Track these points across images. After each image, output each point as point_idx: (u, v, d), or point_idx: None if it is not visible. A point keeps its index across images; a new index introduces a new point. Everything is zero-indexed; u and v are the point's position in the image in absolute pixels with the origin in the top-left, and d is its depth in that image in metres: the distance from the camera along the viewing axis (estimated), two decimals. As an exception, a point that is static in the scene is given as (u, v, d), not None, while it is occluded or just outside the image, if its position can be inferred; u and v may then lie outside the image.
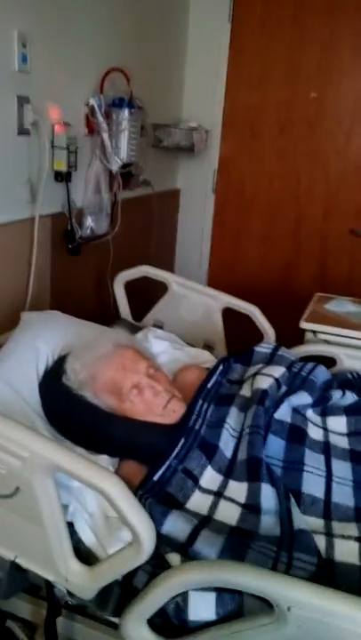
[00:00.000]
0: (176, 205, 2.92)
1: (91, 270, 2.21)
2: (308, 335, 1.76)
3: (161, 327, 1.78)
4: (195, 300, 1.77)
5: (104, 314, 2.09)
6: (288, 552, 0.98)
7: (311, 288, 2.65)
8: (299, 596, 0.80)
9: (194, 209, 2.85)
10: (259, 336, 1.72)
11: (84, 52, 1.94)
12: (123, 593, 1.01)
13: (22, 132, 1.72)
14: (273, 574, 0.86)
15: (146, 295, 1.94)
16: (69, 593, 1.06)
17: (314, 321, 1.76)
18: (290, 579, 0.83)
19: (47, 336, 1.41)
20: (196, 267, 2.88)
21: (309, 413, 1.32)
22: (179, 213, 2.93)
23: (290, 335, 1.71)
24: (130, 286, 1.88)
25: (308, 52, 2.51)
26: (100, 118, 1.94)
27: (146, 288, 1.94)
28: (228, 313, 1.79)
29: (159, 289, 1.87)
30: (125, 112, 1.97)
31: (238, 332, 1.84)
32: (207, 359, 1.58)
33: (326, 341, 1.72)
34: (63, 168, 1.87)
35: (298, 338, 1.80)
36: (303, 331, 1.81)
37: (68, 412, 1.24)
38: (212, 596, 0.93)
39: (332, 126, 2.55)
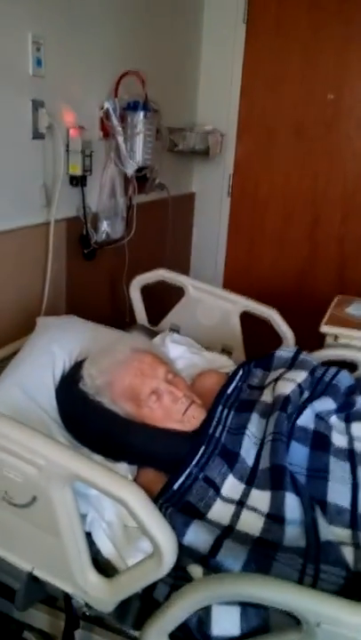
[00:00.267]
0: (191, 209, 2.90)
1: (106, 275, 2.19)
2: (329, 339, 1.71)
3: (177, 332, 1.75)
4: (212, 303, 1.74)
5: (120, 319, 2.06)
6: (315, 564, 0.94)
7: (329, 292, 2.59)
8: (330, 612, 0.77)
9: (209, 213, 2.83)
10: (277, 341, 1.69)
11: (98, 56, 1.93)
12: (143, 605, 0.98)
13: (37, 136, 1.71)
14: (302, 588, 0.82)
15: (162, 300, 1.91)
16: (87, 604, 1.03)
17: (335, 324, 1.71)
18: (320, 593, 0.80)
19: (63, 341, 1.39)
20: (211, 271, 2.85)
21: (333, 420, 1.28)
22: (194, 217, 2.91)
23: (309, 340, 1.66)
24: (145, 291, 1.86)
25: (324, 52, 2.48)
26: (115, 121, 1.93)
27: (162, 293, 1.92)
28: (246, 317, 1.76)
29: (175, 293, 1.85)
30: (140, 115, 1.95)
31: (256, 337, 1.80)
32: (226, 364, 1.54)
33: (348, 345, 1.67)
34: (78, 172, 1.85)
35: (317, 342, 1.76)
36: (323, 335, 1.77)
37: (85, 419, 1.21)
38: (236, 610, 0.89)
39: (350, 127, 2.51)
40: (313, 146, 2.58)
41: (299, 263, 2.74)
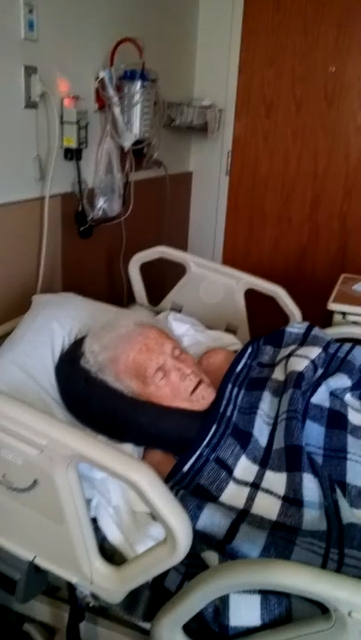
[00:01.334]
0: (189, 188, 2.81)
1: (103, 254, 2.11)
2: (337, 317, 1.65)
3: (180, 311, 1.68)
4: (215, 280, 1.67)
5: (117, 300, 1.98)
6: (339, 548, 0.89)
7: (330, 271, 2.55)
8: (363, 600, 0.70)
9: (207, 192, 2.74)
10: (282, 319, 1.62)
11: (94, 22, 1.83)
12: (153, 595, 0.92)
13: (30, 104, 1.62)
14: (332, 575, 0.75)
15: (161, 279, 1.83)
16: (93, 595, 0.96)
17: (342, 302, 1.65)
18: (352, 580, 0.73)
19: (62, 318, 1.31)
20: (209, 251, 2.77)
21: (348, 397, 1.22)
22: (191, 196, 2.82)
23: (312, 319, 1.60)
24: (144, 270, 1.78)
25: (325, 22, 2.38)
26: (111, 92, 1.83)
27: (161, 272, 1.84)
28: (249, 295, 1.69)
29: (175, 272, 1.77)
30: (138, 85, 1.86)
31: (261, 316, 1.74)
32: (232, 342, 1.47)
33: (356, 323, 1.61)
34: (73, 144, 1.76)
35: (322, 321, 1.69)
36: (329, 314, 1.70)
37: (88, 398, 1.13)
38: (256, 599, 0.83)
39: (352, 101, 2.43)
40: (314, 121, 2.50)
41: (300, 242, 2.67)
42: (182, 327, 1.48)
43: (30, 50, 1.58)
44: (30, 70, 1.59)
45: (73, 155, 1.79)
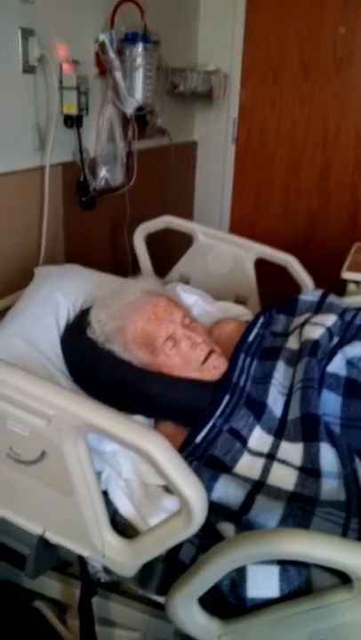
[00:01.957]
0: (194, 157, 2.74)
1: (106, 225, 2.06)
2: (351, 287, 1.60)
3: (187, 283, 1.63)
4: (224, 250, 1.61)
5: (122, 272, 1.93)
6: (359, 518, 0.86)
7: (341, 241, 2.48)
8: (390, 569, 0.67)
9: (213, 161, 2.67)
10: (293, 290, 1.57)
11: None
12: (167, 569, 0.89)
13: (28, 69, 1.55)
14: (354, 543, 0.72)
15: (167, 251, 1.78)
16: (105, 569, 0.94)
17: (357, 271, 1.59)
18: (377, 549, 0.70)
19: (66, 289, 1.27)
20: (216, 222, 2.70)
21: (365, 366, 1.17)
22: (197, 165, 2.75)
23: (324, 289, 1.55)
24: (148, 242, 1.73)
25: (333, -19, 2.29)
26: (112, 55, 1.76)
27: (166, 244, 1.79)
28: (259, 265, 1.63)
29: (181, 243, 1.72)
30: (140, 47, 1.78)
31: (270, 287, 1.69)
32: (243, 312, 1.43)
33: (371, 292, 1.56)
34: (73, 111, 1.70)
35: (334, 291, 1.64)
36: (342, 283, 1.65)
37: (95, 369, 1.09)
38: (274, 570, 0.80)
39: (363, 64, 2.34)
40: (323, 87, 2.41)
41: (309, 212, 2.60)
42: (191, 298, 1.43)
43: (27, 11, 1.51)
44: (27, 33, 1.52)
45: (73, 122, 1.73)
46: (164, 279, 1.70)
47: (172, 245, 1.79)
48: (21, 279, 1.47)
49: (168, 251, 1.78)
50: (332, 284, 1.64)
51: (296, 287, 1.58)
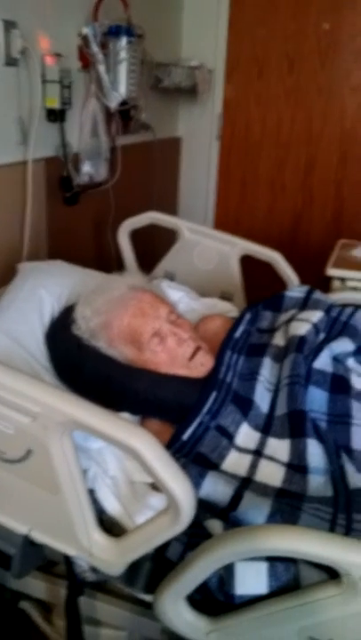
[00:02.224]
0: (178, 153, 2.72)
1: (90, 221, 2.03)
2: (336, 283, 1.60)
3: (172, 279, 1.62)
4: (209, 246, 1.61)
5: (106, 268, 1.92)
6: (346, 514, 0.86)
7: (326, 237, 2.49)
8: (377, 564, 0.67)
9: (197, 157, 2.66)
10: (278, 286, 1.57)
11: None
12: (155, 567, 0.88)
13: (10, 62, 1.52)
14: (343, 539, 0.72)
15: (151, 248, 1.77)
16: (92, 568, 0.92)
17: (341, 267, 1.60)
18: (364, 543, 0.70)
19: (50, 285, 1.25)
20: (200, 219, 2.69)
21: (351, 362, 1.17)
22: (181, 162, 2.73)
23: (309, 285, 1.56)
24: (133, 239, 1.71)
25: (318, -24, 2.29)
26: (95, 48, 1.74)
27: (150, 240, 1.77)
28: (244, 262, 1.63)
29: (165, 240, 1.70)
30: (123, 41, 1.76)
31: (255, 283, 1.69)
32: (228, 309, 1.42)
33: (356, 288, 1.57)
34: (56, 105, 1.67)
35: (319, 288, 1.65)
36: (327, 280, 1.66)
37: (81, 366, 1.08)
38: (263, 567, 0.80)
39: (347, 60, 2.34)
40: (308, 81, 2.41)
41: (294, 208, 2.61)
42: (176, 294, 1.43)
43: (9, 3, 1.48)
44: (9, 25, 1.49)
45: (56, 116, 1.70)
46: (149, 275, 1.69)
47: (156, 242, 1.78)
48: (4, 276, 1.44)
49: (153, 247, 1.76)
50: (317, 280, 1.64)
51: (281, 284, 1.58)
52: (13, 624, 1.20)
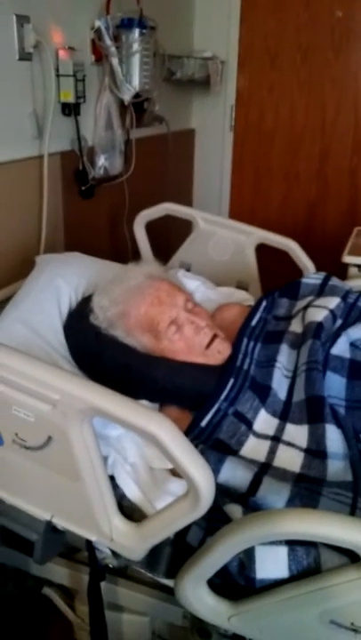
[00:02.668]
0: (191, 145, 2.72)
1: (106, 214, 2.05)
2: (352, 270, 1.59)
3: (188, 270, 1.62)
4: (225, 236, 1.60)
5: (122, 260, 1.93)
6: (366, 498, 0.85)
7: (341, 226, 2.47)
8: None
9: (211, 149, 2.65)
10: (295, 275, 1.56)
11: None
12: (175, 552, 0.89)
13: (24, 57, 1.54)
14: (364, 522, 0.72)
15: (167, 239, 1.77)
16: (114, 554, 0.94)
17: (358, 255, 1.58)
18: (387, 526, 0.69)
19: (68, 275, 1.26)
20: (215, 210, 2.69)
21: (368, 348, 1.16)
22: (195, 154, 2.74)
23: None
24: (148, 230, 1.72)
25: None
26: (109, 41, 1.74)
27: (166, 232, 1.77)
28: (259, 251, 1.62)
29: (181, 231, 1.71)
30: (136, 33, 1.77)
31: (271, 272, 1.68)
32: (245, 297, 1.42)
33: (373, 275, 1.56)
34: (71, 99, 1.68)
35: (335, 276, 1.64)
36: (343, 268, 1.65)
37: (99, 354, 1.09)
38: (283, 551, 0.80)
39: (361, 48, 2.32)
40: (321, 71, 2.39)
41: (308, 198, 2.59)
42: (193, 284, 1.43)
43: (21, -3, 1.49)
44: (22, 19, 1.50)
45: (71, 110, 1.72)
46: (165, 267, 1.69)
47: (172, 233, 1.78)
48: (22, 269, 1.46)
49: (168, 238, 1.77)
50: (333, 268, 1.63)
51: (297, 273, 1.57)
52: (37, 610, 1.22)
